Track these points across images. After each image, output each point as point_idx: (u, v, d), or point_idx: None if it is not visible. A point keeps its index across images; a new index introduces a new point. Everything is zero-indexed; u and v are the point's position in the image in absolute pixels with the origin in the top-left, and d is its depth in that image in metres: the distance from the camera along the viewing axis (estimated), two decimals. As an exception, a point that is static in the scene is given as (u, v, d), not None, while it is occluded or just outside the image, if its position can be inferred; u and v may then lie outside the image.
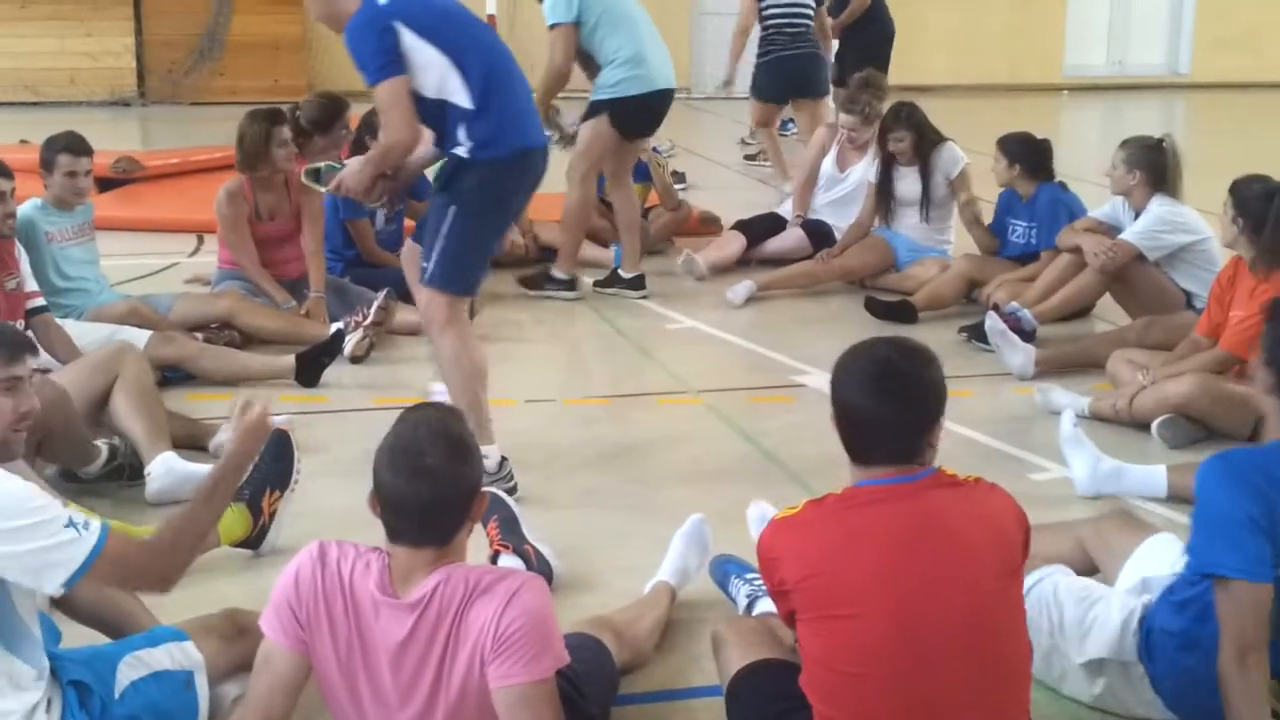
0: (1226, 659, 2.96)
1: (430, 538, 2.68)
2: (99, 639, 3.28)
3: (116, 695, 2.99)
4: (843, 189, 8.08)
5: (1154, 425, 5.24)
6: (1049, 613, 3.36)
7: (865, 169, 7.88)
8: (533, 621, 2.64)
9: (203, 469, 4.59)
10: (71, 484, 4.63)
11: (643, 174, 8.38)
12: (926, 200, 7.48)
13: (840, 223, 7.93)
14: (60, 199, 5.91)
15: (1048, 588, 3.40)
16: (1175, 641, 3.19)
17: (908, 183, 7.53)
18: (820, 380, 5.65)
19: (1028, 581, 3.25)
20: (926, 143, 7.46)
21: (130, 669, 3.04)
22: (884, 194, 7.60)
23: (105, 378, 4.79)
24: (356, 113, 7.02)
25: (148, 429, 4.71)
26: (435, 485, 2.65)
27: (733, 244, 8.09)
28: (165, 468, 4.62)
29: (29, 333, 5.19)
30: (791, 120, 11.35)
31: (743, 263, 7.96)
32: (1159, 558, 3.50)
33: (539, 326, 6.99)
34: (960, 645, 2.65)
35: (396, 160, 4.67)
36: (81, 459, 4.65)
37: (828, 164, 8.13)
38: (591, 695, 3.04)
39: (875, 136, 7.76)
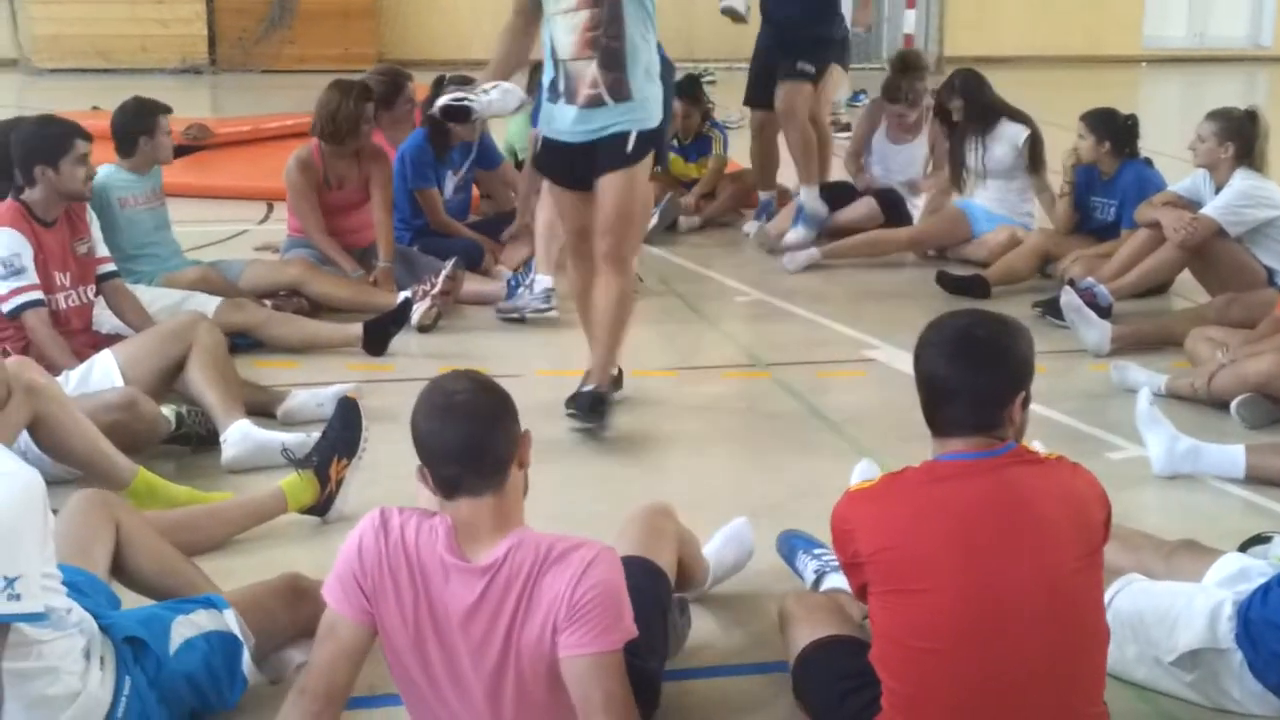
0: None
1: (482, 481, 2.66)
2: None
3: (171, 652, 3.01)
4: (899, 164, 8.08)
5: (1233, 404, 5.13)
6: (1130, 622, 3.28)
7: (919, 146, 8.01)
8: (607, 593, 2.63)
9: (276, 436, 4.63)
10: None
11: (704, 149, 8.35)
12: (984, 168, 7.38)
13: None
14: (154, 160, 5.96)
15: (1124, 601, 3.32)
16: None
17: (974, 154, 7.42)
18: (890, 354, 5.61)
19: (1107, 594, 3.17)
20: (988, 111, 7.36)
21: (184, 628, 3.06)
22: (955, 163, 7.52)
23: (179, 347, 4.83)
24: (423, 83, 7.01)
25: (222, 397, 4.74)
26: (471, 419, 2.64)
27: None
28: (240, 435, 4.64)
29: (100, 297, 5.24)
30: (864, 92, 11.24)
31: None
32: (1239, 565, 3.43)
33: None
34: (1035, 624, 2.61)
35: None
36: (154, 440, 4.67)
37: (879, 139, 8.11)
38: (650, 649, 3.00)
39: (925, 115, 7.83)
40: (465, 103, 4.72)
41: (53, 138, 4.97)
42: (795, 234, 7.62)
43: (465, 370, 2.80)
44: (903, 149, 8.11)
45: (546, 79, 4.88)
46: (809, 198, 7.67)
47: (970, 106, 7.41)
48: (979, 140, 7.37)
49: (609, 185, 4.81)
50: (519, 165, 7.72)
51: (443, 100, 4.80)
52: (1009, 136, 7.34)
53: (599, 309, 4.95)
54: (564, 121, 4.82)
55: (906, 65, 8.12)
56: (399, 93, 7.20)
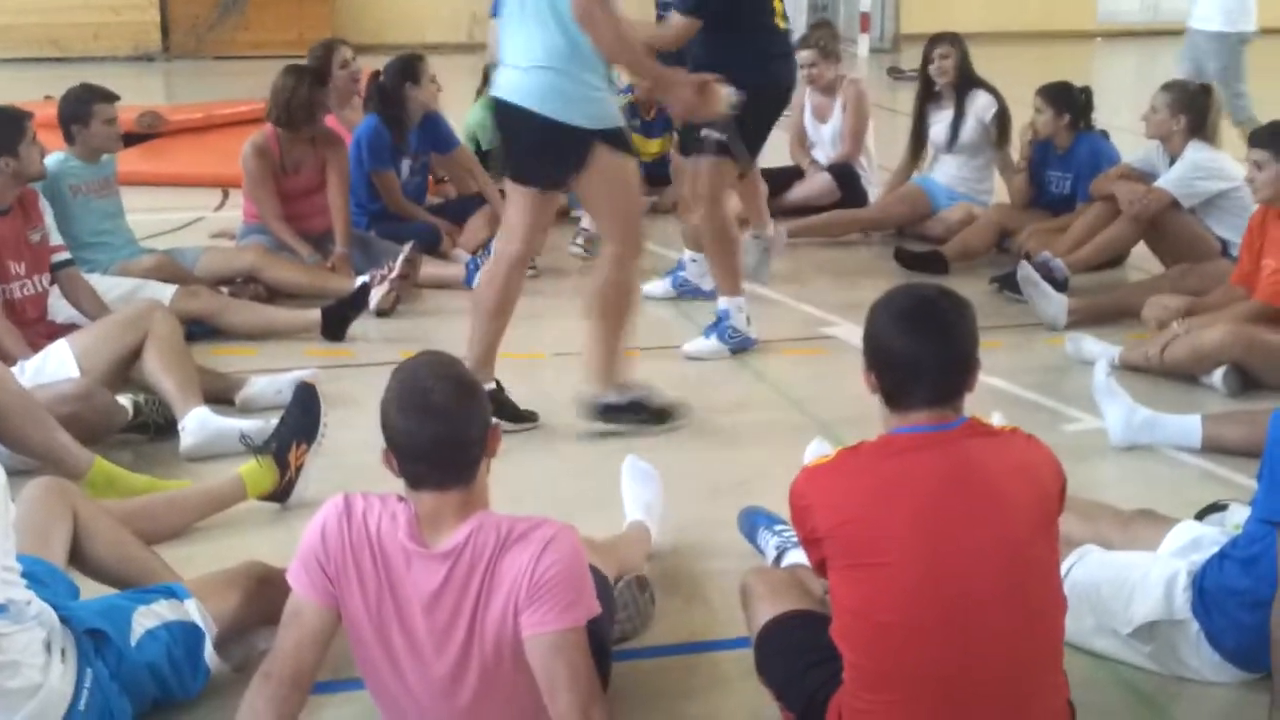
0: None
1: (451, 478, 2.66)
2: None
3: (132, 643, 3.00)
4: (823, 142, 8.08)
5: (1217, 374, 5.16)
6: (1087, 594, 3.30)
7: (839, 119, 7.94)
8: (567, 570, 2.64)
9: (234, 423, 4.61)
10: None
11: (666, 125, 8.34)
12: (954, 140, 7.35)
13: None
14: (97, 149, 5.88)
15: (1080, 573, 3.34)
16: (1238, 599, 3.13)
17: (941, 126, 7.41)
18: (849, 331, 5.62)
19: (1064, 565, 3.19)
20: (966, 77, 7.34)
21: (145, 618, 3.05)
22: (918, 136, 7.51)
23: (135, 335, 4.79)
24: (371, 67, 6.97)
25: (179, 385, 4.71)
26: (447, 422, 2.63)
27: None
28: (198, 423, 4.62)
29: (55, 286, 5.20)
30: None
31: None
32: (1193, 534, 3.46)
33: (563, 280, 6.93)
34: (993, 595, 2.62)
35: None
36: (112, 430, 4.65)
37: (807, 120, 8.09)
38: (605, 632, 3.02)
39: (840, 87, 7.87)
40: None
41: (6, 125, 4.93)
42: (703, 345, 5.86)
43: (438, 359, 2.76)
44: (824, 127, 8.08)
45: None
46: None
47: (960, 69, 7.33)
48: (957, 110, 7.34)
49: None
50: (481, 153, 7.72)
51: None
52: (978, 109, 7.32)
53: None
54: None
55: (822, 23, 8.21)
56: (331, 56, 7.27)
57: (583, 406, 4.85)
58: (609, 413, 4.83)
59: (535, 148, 4.57)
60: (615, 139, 4.59)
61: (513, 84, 4.55)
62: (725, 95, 4.76)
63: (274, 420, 4.40)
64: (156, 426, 4.72)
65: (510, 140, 4.73)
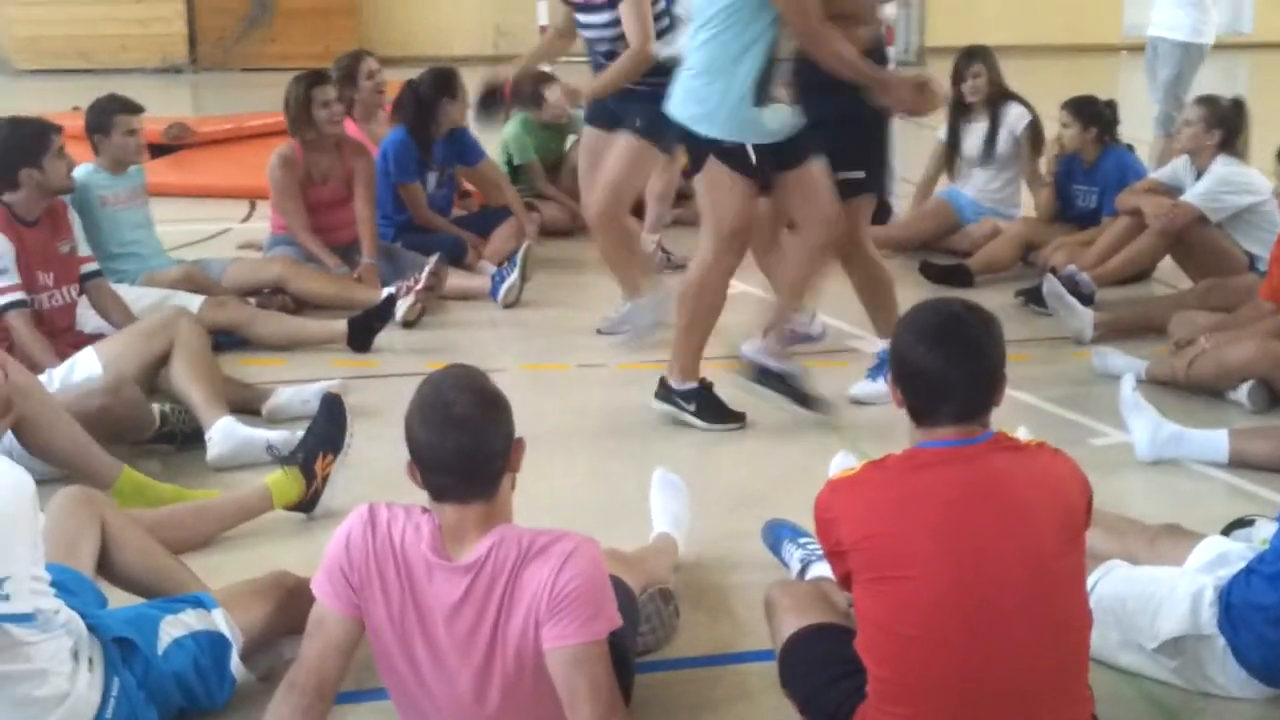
0: None
1: (474, 491, 2.67)
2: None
3: (159, 652, 3.01)
4: None
5: (1243, 390, 5.14)
6: (1113, 609, 3.29)
7: None
8: (588, 583, 2.64)
9: (261, 433, 4.63)
10: (122, 446, 4.65)
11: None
12: (990, 153, 7.30)
13: None
14: (118, 160, 5.91)
15: (1106, 587, 3.33)
16: (1265, 615, 3.12)
17: (974, 139, 7.35)
18: (874, 344, 5.60)
19: (1090, 580, 3.18)
20: (999, 91, 7.30)
21: (172, 627, 3.06)
22: (951, 149, 7.48)
23: (161, 344, 4.82)
24: (396, 79, 6.97)
25: (205, 394, 4.73)
26: (469, 434, 2.63)
27: None
28: (224, 433, 4.64)
29: (83, 297, 5.23)
30: None
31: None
32: (1220, 549, 3.44)
33: (583, 290, 6.94)
34: (1019, 609, 2.61)
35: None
36: (142, 431, 4.67)
37: None
38: (627, 644, 3.02)
39: None
40: None
41: (31, 138, 4.97)
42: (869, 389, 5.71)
43: (463, 372, 2.77)
44: None
45: (754, 82, 4.65)
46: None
47: (992, 83, 7.25)
48: (991, 123, 7.27)
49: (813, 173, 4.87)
50: (512, 168, 7.76)
51: None
52: (1010, 121, 7.26)
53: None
54: (779, 121, 4.76)
55: None
56: (357, 66, 7.30)
57: (744, 365, 5.15)
58: (764, 376, 5.10)
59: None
60: (728, 153, 4.70)
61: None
62: (941, 93, 4.96)
63: (300, 431, 4.41)
64: (184, 436, 4.73)
65: None
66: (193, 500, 4.20)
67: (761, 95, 4.66)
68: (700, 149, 4.77)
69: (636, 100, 5.66)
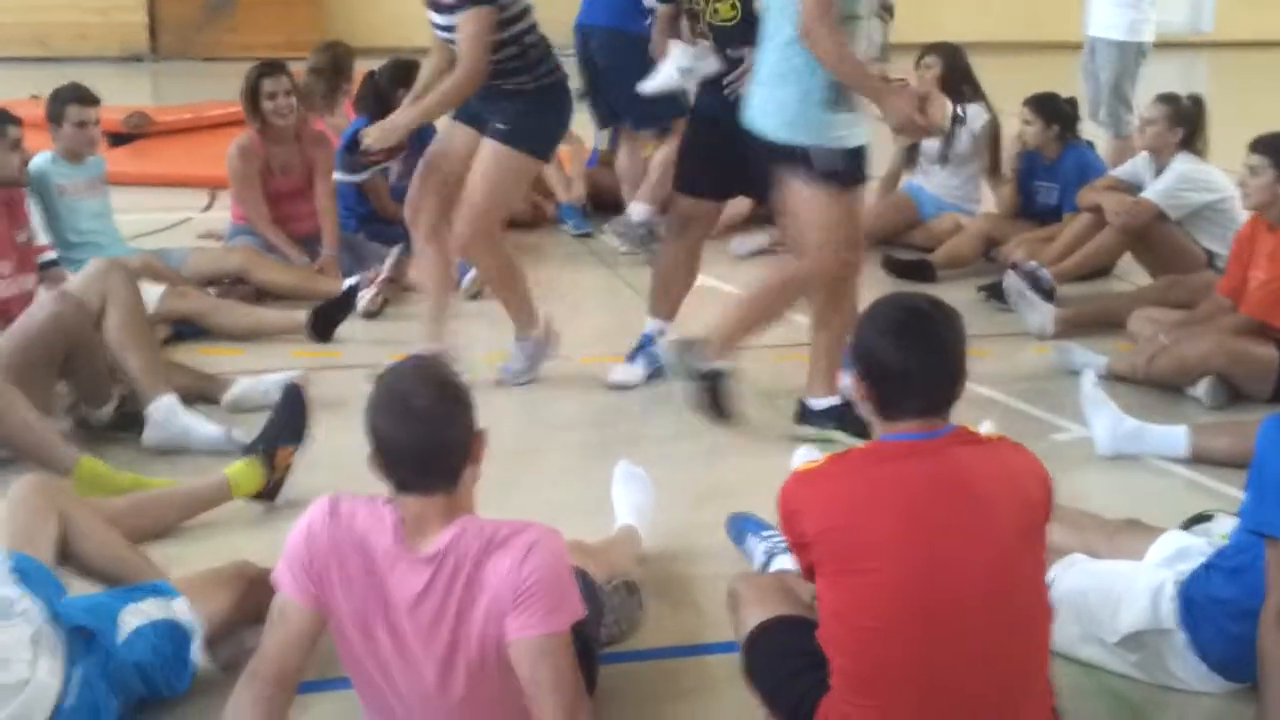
0: (1268, 619, 2.90)
1: (434, 482, 2.66)
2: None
3: (120, 641, 2.99)
4: None
5: (1201, 386, 5.17)
6: (1074, 603, 3.31)
7: None
8: (550, 575, 2.64)
9: (203, 425, 4.58)
10: (82, 431, 4.62)
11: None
12: (947, 152, 7.32)
13: None
14: (71, 150, 5.88)
15: (1067, 581, 3.35)
16: (1225, 609, 3.14)
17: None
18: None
19: (1049, 574, 3.19)
20: (955, 87, 7.27)
21: (132, 616, 3.05)
22: (911, 147, 7.48)
23: (95, 296, 4.65)
24: (360, 69, 6.97)
25: (143, 362, 4.65)
26: (428, 426, 2.62)
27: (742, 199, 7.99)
28: (165, 415, 4.58)
29: (41, 286, 5.18)
30: None
31: (755, 219, 7.84)
32: (1179, 544, 3.47)
33: (546, 284, 6.92)
34: (979, 601, 2.63)
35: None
36: (100, 390, 4.63)
37: None
38: (591, 635, 3.03)
39: None
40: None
41: None
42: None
43: (424, 363, 2.77)
44: None
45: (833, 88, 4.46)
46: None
47: (949, 81, 7.12)
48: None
49: None
50: None
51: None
52: (968, 119, 7.27)
53: None
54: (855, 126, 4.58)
55: None
56: (349, 58, 7.36)
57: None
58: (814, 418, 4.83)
59: None
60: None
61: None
62: (946, 108, 4.62)
63: (239, 423, 4.38)
64: (141, 419, 4.68)
65: None
66: (152, 489, 4.16)
67: (838, 101, 4.47)
68: (793, 161, 4.51)
69: (501, 98, 5.00)
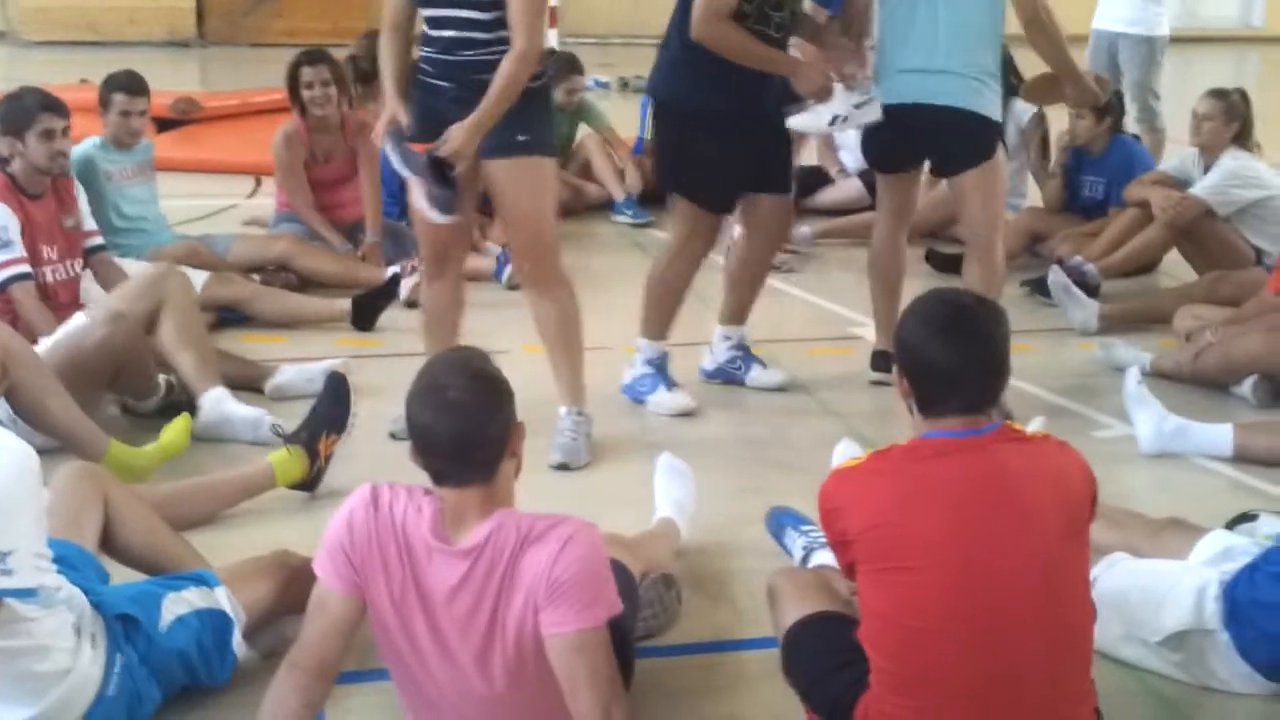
0: None
1: (471, 474, 2.66)
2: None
3: (162, 629, 3.01)
4: (849, 145, 7.93)
5: (1247, 384, 5.13)
6: (1116, 602, 3.28)
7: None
8: (586, 569, 2.63)
9: (245, 411, 4.61)
10: (127, 418, 4.65)
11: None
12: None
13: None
14: (116, 138, 5.93)
15: (1109, 581, 3.33)
16: (1269, 612, 3.13)
17: None
18: (878, 332, 5.59)
19: (1092, 573, 3.17)
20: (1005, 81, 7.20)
21: (175, 605, 3.06)
22: None
23: (150, 301, 4.73)
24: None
25: (195, 360, 4.70)
26: (464, 418, 2.62)
27: None
28: (213, 404, 4.63)
29: (87, 271, 5.22)
30: None
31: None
32: (1224, 544, 3.44)
33: (584, 271, 6.92)
34: (1022, 602, 2.61)
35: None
36: (146, 391, 4.68)
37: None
38: (628, 629, 3.02)
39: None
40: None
41: (19, 111, 4.93)
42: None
43: (463, 355, 2.77)
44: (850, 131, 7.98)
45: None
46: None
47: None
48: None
49: None
50: None
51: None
52: (1015, 114, 7.21)
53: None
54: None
55: None
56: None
57: None
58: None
59: None
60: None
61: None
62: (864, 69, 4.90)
63: (282, 410, 4.39)
64: (188, 407, 4.71)
65: None
66: (174, 452, 4.23)
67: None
68: (992, 138, 4.97)
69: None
